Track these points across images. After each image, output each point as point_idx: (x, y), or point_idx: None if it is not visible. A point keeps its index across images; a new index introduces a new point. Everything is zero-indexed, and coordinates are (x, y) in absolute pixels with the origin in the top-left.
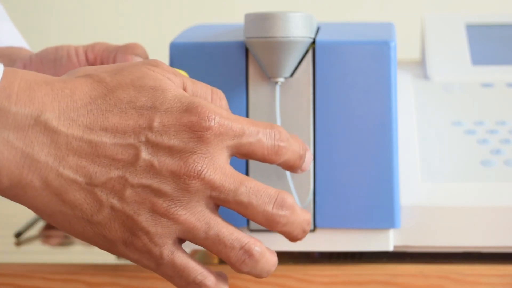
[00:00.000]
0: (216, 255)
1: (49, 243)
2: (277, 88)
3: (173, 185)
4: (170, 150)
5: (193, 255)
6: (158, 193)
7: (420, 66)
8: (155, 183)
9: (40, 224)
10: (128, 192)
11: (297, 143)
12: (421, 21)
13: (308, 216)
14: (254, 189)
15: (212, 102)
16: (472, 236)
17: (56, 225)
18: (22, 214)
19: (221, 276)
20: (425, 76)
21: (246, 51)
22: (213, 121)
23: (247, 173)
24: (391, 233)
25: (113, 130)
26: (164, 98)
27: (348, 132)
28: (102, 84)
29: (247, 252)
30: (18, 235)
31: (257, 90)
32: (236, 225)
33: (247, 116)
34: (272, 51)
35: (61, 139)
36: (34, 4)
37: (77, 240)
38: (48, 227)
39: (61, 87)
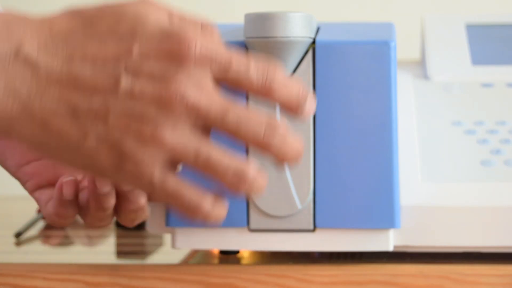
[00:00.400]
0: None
1: (49, 243)
2: None
3: (156, 110)
4: (151, 76)
5: (193, 255)
6: (141, 118)
7: (420, 66)
8: (137, 108)
9: (40, 224)
10: (112, 119)
11: (293, 84)
12: (421, 21)
13: (300, 144)
14: (243, 114)
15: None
16: (472, 236)
17: (48, 156)
18: (22, 214)
19: (218, 199)
20: (425, 76)
21: (246, 51)
22: (194, 48)
23: None
24: (391, 233)
25: (93, 59)
26: (145, 26)
27: (348, 132)
28: (81, 15)
29: (241, 177)
30: (18, 235)
31: None
32: (236, 224)
33: None
34: (272, 51)
35: (42, 71)
36: (34, 3)
37: (77, 240)
38: (48, 227)
39: (39, 21)
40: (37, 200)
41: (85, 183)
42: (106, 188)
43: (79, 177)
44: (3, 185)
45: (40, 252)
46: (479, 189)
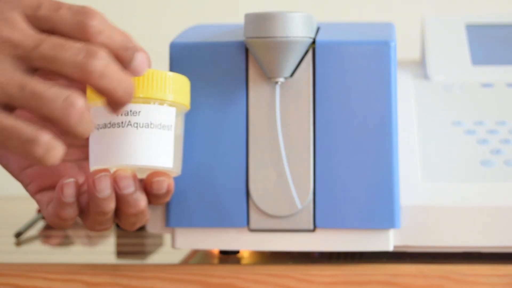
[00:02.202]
0: (40, 117)
1: (49, 243)
2: (277, 88)
3: None
4: None
5: (193, 255)
6: None
7: (420, 66)
8: None
9: (40, 224)
10: None
11: (120, 34)
12: (421, 21)
13: (130, 79)
14: (59, 43)
15: None
16: (472, 236)
17: None
18: (22, 214)
19: (56, 137)
20: (425, 76)
21: (246, 51)
22: None
23: (247, 170)
24: (391, 233)
25: None
26: None
27: (348, 132)
28: None
29: (70, 103)
30: (18, 235)
31: (257, 90)
32: (236, 224)
33: (247, 116)
34: (272, 51)
35: None
36: None
37: (77, 240)
38: (48, 227)
39: None
40: (39, 202)
41: (85, 187)
42: (105, 192)
43: (80, 180)
44: (3, 185)
45: (40, 252)
46: (479, 189)
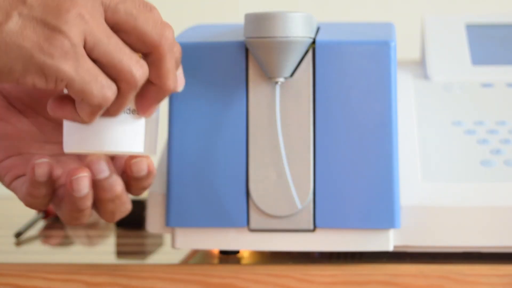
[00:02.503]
0: (115, 63)
1: (49, 243)
2: (277, 88)
3: None
4: None
5: (193, 255)
6: None
7: (420, 66)
8: None
9: (40, 224)
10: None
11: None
12: (421, 21)
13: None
14: (142, 3)
15: None
16: (472, 236)
17: None
18: (22, 214)
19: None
20: (425, 76)
21: (246, 51)
22: None
23: (247, 170)
24: (391, 233)
25: None
26: None
27: (348, 132)
28: None
29: (142, 65)
30: (18, 235)
31: (257, 90)
32: (236, 224)
33: (247, 116)
34: (272, 51)
35: None
36: None
37: (77, 240)
38: (48, 227)
39: None
40: (14, 189)
41: (62, 180)
42: (83, 191)
43: (57, 172)
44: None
45: (40, 252)
46: (479, 189)
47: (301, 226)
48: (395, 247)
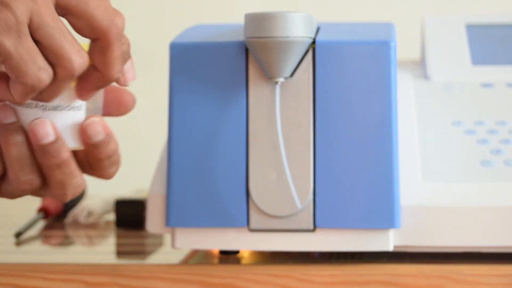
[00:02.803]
0: (56, 48)
1: (49, 243)
2: (277, 88)
3: None
4: None
5: (193, 255)
6: None
7: (420, 66)
8: None
9: (40, 224)
10: None
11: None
12: (421, 21)
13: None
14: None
15: None
16: (472, 236)
17: None
18: (22, 214)
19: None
20: (425, 76)
21: (246, 51)
22: None
23: (247, 170)
24: (391, 233)
25: None
26: None
27: (348, 132)
28: None
29: (83, 55)
30: (18, 235)
31: (257, 90)
32: (236, 224)
33: (247, 116)
34: (272, 51)
35: None
36: None
37: (77, 240)
38: (48, 227)
39: None
40: None
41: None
42: (48, 138)
43: None
44: None
45: (40, 252)
46: (479, 189)
47: (301, 226)
48: (395, 247)
